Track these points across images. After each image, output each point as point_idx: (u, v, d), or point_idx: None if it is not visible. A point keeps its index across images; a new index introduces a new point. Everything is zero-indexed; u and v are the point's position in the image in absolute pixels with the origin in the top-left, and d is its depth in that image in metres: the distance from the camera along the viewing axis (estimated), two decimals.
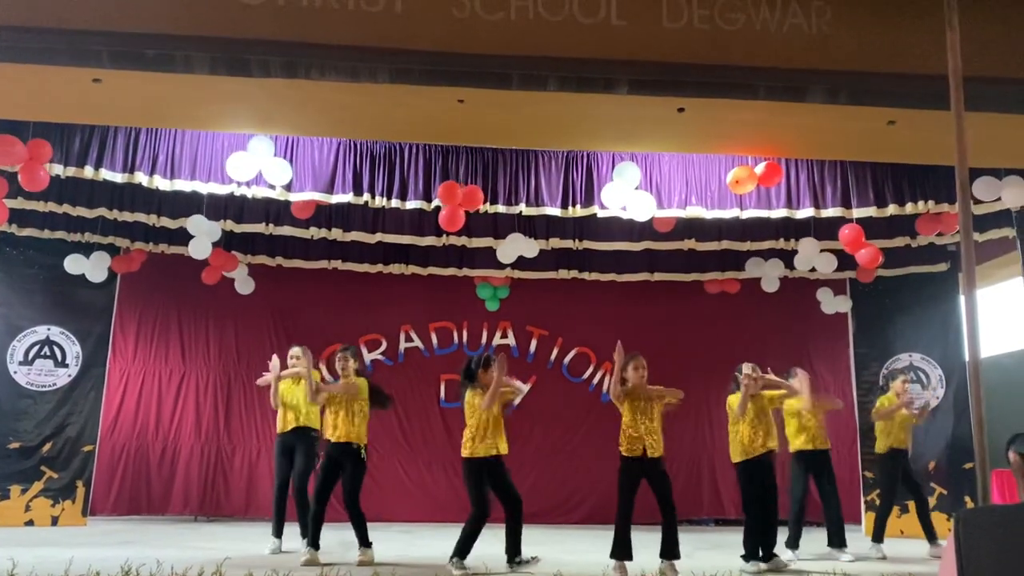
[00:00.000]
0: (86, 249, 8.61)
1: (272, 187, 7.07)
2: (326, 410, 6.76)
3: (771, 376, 6.87)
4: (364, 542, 6.46)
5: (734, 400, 6.72)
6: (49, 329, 8.89)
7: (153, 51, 4.86)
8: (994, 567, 0.87)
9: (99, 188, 7.54)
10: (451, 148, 7.29)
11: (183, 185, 7.04)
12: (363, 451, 6.58)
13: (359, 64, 4.98)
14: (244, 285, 9.30)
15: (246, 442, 9.77)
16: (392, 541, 7.91)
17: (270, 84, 5.17)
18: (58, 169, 6.83)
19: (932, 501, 8.62)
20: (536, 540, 8.22)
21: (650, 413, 6.22)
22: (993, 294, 9.92)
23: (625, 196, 7.14)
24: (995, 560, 0.87)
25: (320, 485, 6.52)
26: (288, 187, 7.11)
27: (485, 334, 10.42)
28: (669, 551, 5.96)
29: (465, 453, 6.26)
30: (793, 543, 7.08)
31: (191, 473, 9.67)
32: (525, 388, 6.88)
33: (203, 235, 7.85)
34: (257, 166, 6.93)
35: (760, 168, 6.97)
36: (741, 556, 6.38)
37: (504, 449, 6.29)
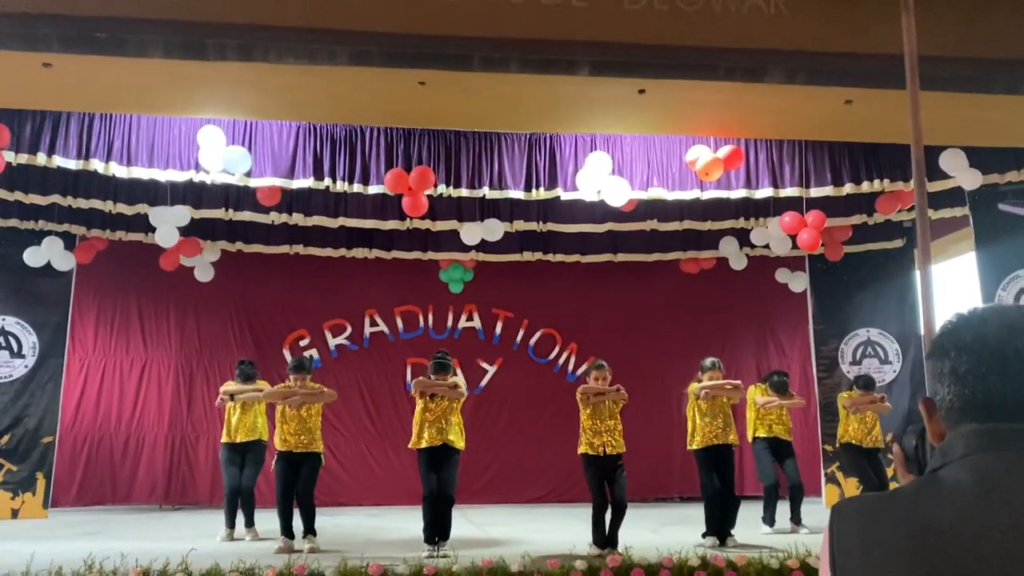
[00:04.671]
0: (40, 237, 8.42)
1: (232, 173, 6.97)
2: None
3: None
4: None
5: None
6: (4, 319, 8.69)
7: (104, 34, 4.75)
8: (859, 552, 0.91)
9: (52, 175, 7.37)
10: (412, 131, 7.24)
11: (141, 172, 6.90)
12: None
13: (317, 46, 4.92)
14: (204, 272, 9.15)
15: (210, 429, 9.67)
16: (360, 525, 7.93)
17: (227, 67, 5.09)
18: (9, 156, 6.66)
19: (890, 471, 8.84)
20: (503, 519, 8.30)
21: (609, 412, 6.45)
22: (947, 269, 10.14)
23: (600, 181, 7.15)
24: (860, 545, 0.92)
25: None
26: (248, 172, 7.01)
27: (451, 317, 10.42)
28: (612, 541, 6.21)
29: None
30: (770, 520, 7.37)
31: (155, 462, 9.57)
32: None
33: (168, 223, 7.70)
34: (219, 157, 6.80)
35: (723, 152, 7.02)
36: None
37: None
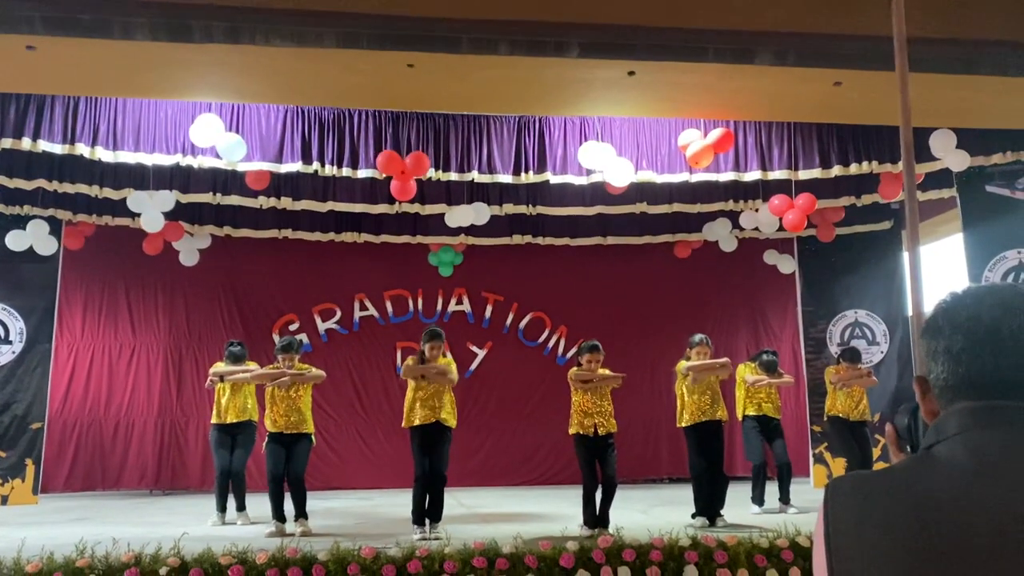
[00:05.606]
0: (25, 222, 8.35)
1: (220, 157, 6.92)
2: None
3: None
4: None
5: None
6: None
7: (89, 16, 4.70)
8: (854, 528, 0.92)
9: (37, 159, 7.29)
10: (401, 115, 7.20)
11: (127, 157, 6.83)
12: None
13: (305, 28, 4.88)
14: (189, 257, 9.11)
15: (200, 414, 9.65)
16: (352, 508, 7.95)
17: (213, 50, 5.05)
18: None
19: (876, 452, 8.94)
20: (493, 501, 8.34)
21: (600, 393, 6.49)
22: (934, 250, 10.20)
23: (603, 161, 7.13)
24: (855, 522, 0.93)
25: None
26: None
27: (440, 301, 10.41)
28: (603, 520, 6.25)
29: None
30: (759, 500, 7.45)
31: (145, 447, 9.56)
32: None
33: (152, 208, 7.64)
34: (212, 140, 6.75)
35: (714, 135, 7.01)
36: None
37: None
